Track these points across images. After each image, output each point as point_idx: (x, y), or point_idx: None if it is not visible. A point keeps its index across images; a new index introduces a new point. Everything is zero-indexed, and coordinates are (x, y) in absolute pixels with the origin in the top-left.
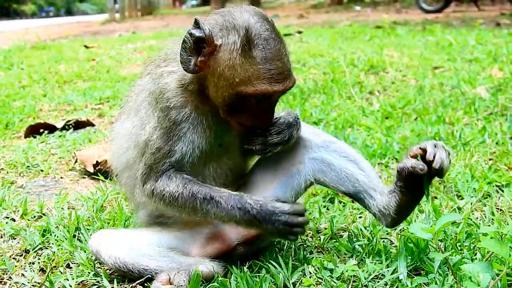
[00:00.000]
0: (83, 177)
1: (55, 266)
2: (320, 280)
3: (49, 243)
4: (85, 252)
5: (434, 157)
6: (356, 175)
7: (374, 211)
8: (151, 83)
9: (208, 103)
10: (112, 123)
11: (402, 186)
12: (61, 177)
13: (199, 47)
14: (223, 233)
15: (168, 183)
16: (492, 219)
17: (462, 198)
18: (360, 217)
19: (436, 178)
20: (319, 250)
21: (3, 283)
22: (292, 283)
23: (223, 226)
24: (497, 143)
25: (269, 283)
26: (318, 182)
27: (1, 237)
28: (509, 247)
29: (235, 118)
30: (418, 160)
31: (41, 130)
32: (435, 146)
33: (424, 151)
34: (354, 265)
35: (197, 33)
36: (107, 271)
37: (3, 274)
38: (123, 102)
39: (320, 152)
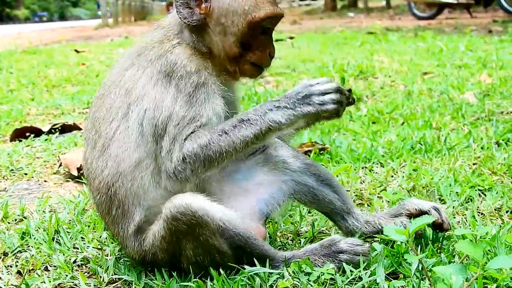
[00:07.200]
0: (67, 181)
1: (32, 269)
2: (297, 283)
3: (28, 246)
4: (63, 254)
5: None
6: (332, 199)
7: (344, 232)
8: (154, 63)
9: (216, 68)
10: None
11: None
12: (45, 181)
13: None
14: None
15: (195, 140)
16: (471, 222)
17: (445, 202)
18: None
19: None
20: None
21: None
22: (269, 285)
23: None
24: (482, 148)
25: (246, 286)
26: (297, 201)
27: None
28: (488, 250)
29: (246, 59)
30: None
31: (27, 134)
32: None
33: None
34: (331, 268)
35: None
36: (85, 273)
37: None
38: (101, 108)
39: (301, 176)
